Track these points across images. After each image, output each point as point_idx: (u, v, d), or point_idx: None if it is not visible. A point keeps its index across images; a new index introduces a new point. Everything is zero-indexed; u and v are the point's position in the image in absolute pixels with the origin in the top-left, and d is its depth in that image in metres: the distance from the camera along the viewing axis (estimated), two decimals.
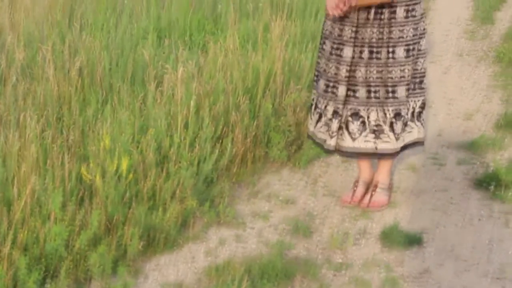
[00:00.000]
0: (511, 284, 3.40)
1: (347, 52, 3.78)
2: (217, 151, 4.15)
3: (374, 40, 3.75)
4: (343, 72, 3.80)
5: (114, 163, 3.71)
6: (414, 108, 3.92)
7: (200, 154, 4.10)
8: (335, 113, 3.85)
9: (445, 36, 7.20)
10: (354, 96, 3.81)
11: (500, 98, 5.58)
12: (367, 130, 3.83)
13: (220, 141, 4.31)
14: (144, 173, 3.85)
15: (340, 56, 3.80)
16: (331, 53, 3.84)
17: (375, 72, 3.78)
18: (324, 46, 3.90)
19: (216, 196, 3.99)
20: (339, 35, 3.80)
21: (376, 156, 3.93)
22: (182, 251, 3.62)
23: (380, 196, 4.03)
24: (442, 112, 5.33)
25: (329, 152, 3.99)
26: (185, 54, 5.27)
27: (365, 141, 3.85)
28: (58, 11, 6.30)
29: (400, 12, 3.74)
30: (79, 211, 3.51)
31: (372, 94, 3.80)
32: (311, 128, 4.01)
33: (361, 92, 3.79)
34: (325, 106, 3.88)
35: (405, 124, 3.89)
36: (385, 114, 3.82)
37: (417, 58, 3.86)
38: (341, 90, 3.81)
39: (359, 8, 3.70)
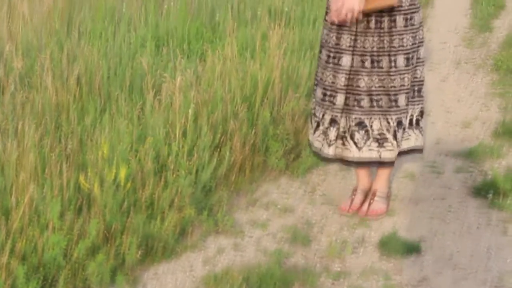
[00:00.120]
0: None
1: (346, 60, 3.78)
2: (215, 159, 4.14)
3: (375, 49, 3.75)
4: (342, 80, 3.80)
5: (112, 171, 3.70)
6: (412, 116, 3.93)
7: (198, 162, 4.10)
8: (333, 121, 3.85)
9: (443, 44, 7.21)
10: (359, 106, 3.80)
11: (498, 106, 5.58)
12: (371, 139, 3.83)
13: (219, 149, 4.30)
14: (142, 181, 3.85)
15: (339, 64, 3.80)
16: (327, 62, 3.84)
17: (377, 81, 3.78)
18: (320, 55, 3.90)
19: (214, 204, 3.99)
20: (337, 44, 3.80)
21: (376, 164, 3.94)
22: (180, 260, 3.61)
23: (378, 204, 4.02)
24: (440, 120, 5.34)
25: (326, 160, 3.99)
26: (183, 63, 5.26)
27: (369, 150, 3.84)
28: (56, 20, 6.31)
29: (400, 20, 3.75)
30: (77, 220, 3.51)
31: (375, 103, 3.80)
32: (310, 136, 4.02)
33: (365, 102, 3.80)
34: (323, 115, 3.88)
35: (403, 131, 3.90)
36: (388, 122, 3.82)
37: (416, 66, 3.87)
38: (340, 99, 3.81)
39: (357, 18, 3.68)
